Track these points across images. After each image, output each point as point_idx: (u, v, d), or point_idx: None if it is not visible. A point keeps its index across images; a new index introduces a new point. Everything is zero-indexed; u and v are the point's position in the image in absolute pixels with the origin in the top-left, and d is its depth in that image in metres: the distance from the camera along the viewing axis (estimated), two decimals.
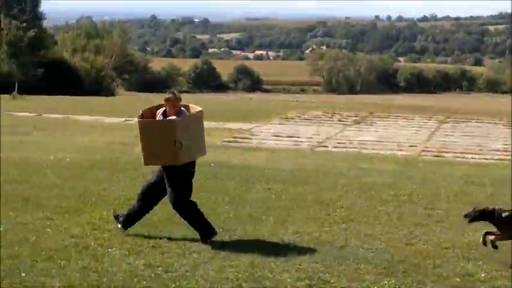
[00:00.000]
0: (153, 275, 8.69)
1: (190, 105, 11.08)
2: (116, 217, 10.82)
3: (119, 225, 10.71)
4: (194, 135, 10.65)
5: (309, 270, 9.24)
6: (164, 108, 10.67)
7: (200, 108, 10.97)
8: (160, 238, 10.35)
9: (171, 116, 10.49)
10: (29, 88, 63.48)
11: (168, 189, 10.54)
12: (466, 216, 10.27)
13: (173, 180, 10.50)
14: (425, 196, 14.93)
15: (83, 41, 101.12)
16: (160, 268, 8.95)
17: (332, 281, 8.85)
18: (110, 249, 9.65)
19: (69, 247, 9.62)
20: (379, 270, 9.38)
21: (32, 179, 14.83)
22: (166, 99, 10.59)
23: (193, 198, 12.65)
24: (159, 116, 10.67)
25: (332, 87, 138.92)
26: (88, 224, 11.04)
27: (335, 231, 11.54)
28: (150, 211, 10.97)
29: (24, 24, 76.69)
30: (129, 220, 10.77)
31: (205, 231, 10.53)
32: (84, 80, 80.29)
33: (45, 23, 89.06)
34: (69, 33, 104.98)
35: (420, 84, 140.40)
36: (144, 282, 8.36)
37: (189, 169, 10.57)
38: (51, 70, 74.39)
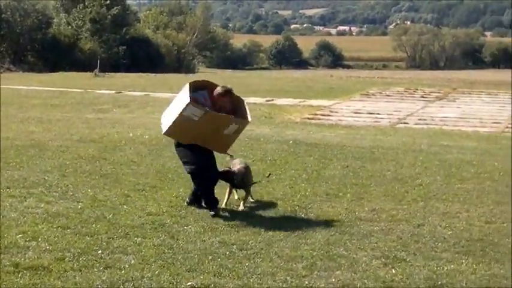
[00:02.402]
0: (227, 252, 8.68)
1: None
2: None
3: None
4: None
5: (384, 248, 9.12)
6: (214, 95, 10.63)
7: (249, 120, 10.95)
8: (236, 216, 10.34)
9: (224, 108, 10.55)
10: (111, 65, 64.45)
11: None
12: None
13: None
14: (507, 174, 14.57)
15: (166, 18, 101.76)
16: (235, 246, 8.94)
17: (408, 259, 8.71)
18: (185, 227, 9.68)
19: (145, 224, 9.68)
20: (456, 249, 9.19)
21: (110, 156, 14.95)
22: (228, 92, 10.61)
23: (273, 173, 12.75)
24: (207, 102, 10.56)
25: (415, 63, 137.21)
26: (164, 201, 11.08)
27: (413, 209, 11.37)
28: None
29: (108, 2, 77.19)
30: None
31: None
32: (166, 57, 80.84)
33: (129, 1, 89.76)
34: (152, 10, 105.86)
35: (507, 59, 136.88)
36: (219, 260, 8.35)
37: None
38: (133, 47, 75.10)
